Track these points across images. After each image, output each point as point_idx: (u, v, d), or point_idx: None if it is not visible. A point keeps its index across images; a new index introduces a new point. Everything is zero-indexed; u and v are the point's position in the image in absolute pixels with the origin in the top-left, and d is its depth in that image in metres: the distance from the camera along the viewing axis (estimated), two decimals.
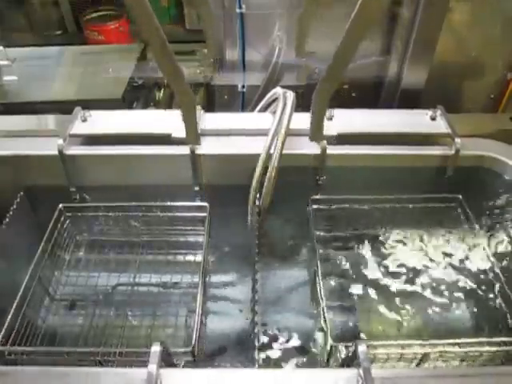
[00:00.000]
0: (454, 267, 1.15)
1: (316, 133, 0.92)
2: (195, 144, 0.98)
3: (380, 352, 0.84)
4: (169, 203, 1.12)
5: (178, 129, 1.07)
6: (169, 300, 1.14)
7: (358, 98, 1.51)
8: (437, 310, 1.10)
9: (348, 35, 0.70)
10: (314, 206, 1.11)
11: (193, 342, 0.85)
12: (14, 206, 1.10)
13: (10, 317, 0.92)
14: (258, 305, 0.96)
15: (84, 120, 1.10)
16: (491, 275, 1.05)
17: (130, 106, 1.48)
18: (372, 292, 1.13)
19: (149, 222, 1.17)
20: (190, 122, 0.93)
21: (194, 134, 0.95)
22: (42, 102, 1.37)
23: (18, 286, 0.97)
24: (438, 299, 1.12)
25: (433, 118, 1.11)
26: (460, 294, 1.12)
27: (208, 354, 1.05)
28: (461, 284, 1.13)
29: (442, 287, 1.13)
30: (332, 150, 1.06)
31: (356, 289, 1.14)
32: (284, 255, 1.24)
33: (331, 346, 0.86)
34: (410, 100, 1.43)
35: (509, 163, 1.08)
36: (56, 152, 1.05)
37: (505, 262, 1.06)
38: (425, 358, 0.86)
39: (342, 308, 1.12)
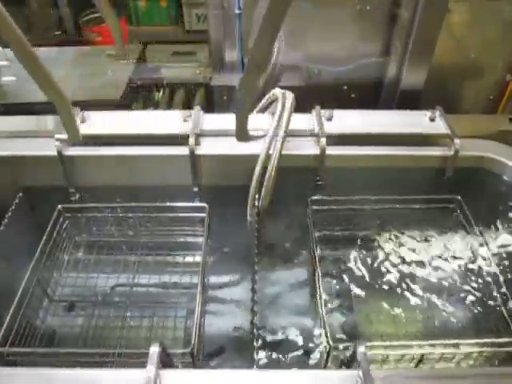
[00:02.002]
0: (453, 268, 1.15)
1: (241, 133, 0.91)
2: (77, 141, 0.96)
3: (379, 353, 0.84)
4: (168, 204, 1.12)
5: (177, 129, 1.07)
6: (168, 301, 1.14)
7: (357, 98, 1.51)
8: (436, 310, 1.10)
9: (263, 28, 0.69)
10: (314, 207, 1.11)
11: (192, 342, 0.84)
12: (13, 207, 1.10)
13: (8, 318, 0.92)
14: (257, 305, 0.96)
15: (83, 121, 1.10)
16: (490, 276, 1.05)
17: (129, 107, 1.48)
18: (371, 293, 1.13)
19: (148, 223, 1.16)
20: (68, 120, 0.91)
21: (74, 132, 0.93)
22: (40, 103, 1.36)
23: (16, 287, 0.97)
24: (437, 300, 1.12)
25: (432, 119, 1.12)
26: (459, 295, 1.12)
27: (207, 355, 1.05)
28: (460, 285, 1.13)
29: (441, 288, 1.13)
30: (331, 150, 1.06)
31: (355, 289, 1.14)
32: (283, 256, 1.24)
33: (330, 347, 0.85)
34: (409, 101, 1.43)
35: (508, 164, 1.08)
36: (55, 153, 1.05)
37: (504, 263, 1.06)
38: (424, 358, 0.86)
39: (341, 309, 1.11)
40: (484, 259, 1.08)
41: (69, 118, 0.90)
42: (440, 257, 1.17)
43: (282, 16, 0.66)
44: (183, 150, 1.06)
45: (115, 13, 1.40)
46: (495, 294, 1.02)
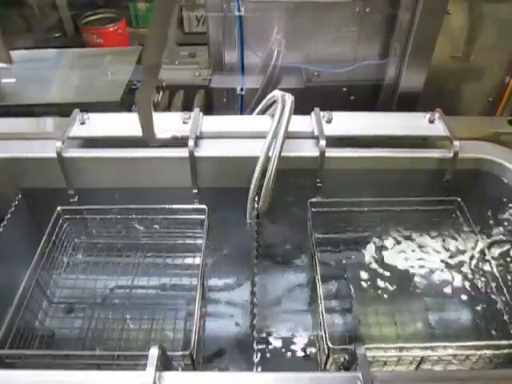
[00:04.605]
0: (452, 270, 1.15)
1: (147, 135, 0.91)
2: None
3: (379, 355, 0.84)
4: (167, 206, 1.12)
5: (176, 130, 1.07)
6: (167, 303, 1.14)
7: (356, 100, 1.51)
8: (435, 312, 1.10)
9: (151, 30, 0.69)
10: (313, 209, 1.11)
11: (191, 345, 0.84)
12: (12, 209, 1.10)
13: (7, 320, 0.91)
14: (257, 308, 0.96)
15: (82, 122, 1.10)
16: (490, 278, 1.05)
17: (128, 109, 1.48)
18: (371, 295, 1.13)
19: (147, 225, 1.16)
20: None
21: None
22: (40, 105, 1.36)
23: (15, 289, 0.97)
24: (437, 302, 1.12)
25: (431, 121, 1.12)
26: (458, 297, 1.12)
27: (207, 357, 1.05)
28: (459, 286, 1.13)
29: (441, 290, 1.13)
30: (331, 152, 1.06)
31: (355, 291, 1.14)
32: (283, 258, 1.24)
33: (330, 349, 0.85)
34: (408, 103, 1.43)
35: (507, 166, 1.08)
36: (54, 154, 1.05)
37: (503, 265, 1.06)
38: (423, 360, 0.86)
39: (341, 311, 1.11)
40: (484, 261, 1.08)
41: None
42: (440, 258, 1.17)
43: (168, 20, 0.67)
44: (183, 152, 1.06)
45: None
46: (495, 296, 1.02)
